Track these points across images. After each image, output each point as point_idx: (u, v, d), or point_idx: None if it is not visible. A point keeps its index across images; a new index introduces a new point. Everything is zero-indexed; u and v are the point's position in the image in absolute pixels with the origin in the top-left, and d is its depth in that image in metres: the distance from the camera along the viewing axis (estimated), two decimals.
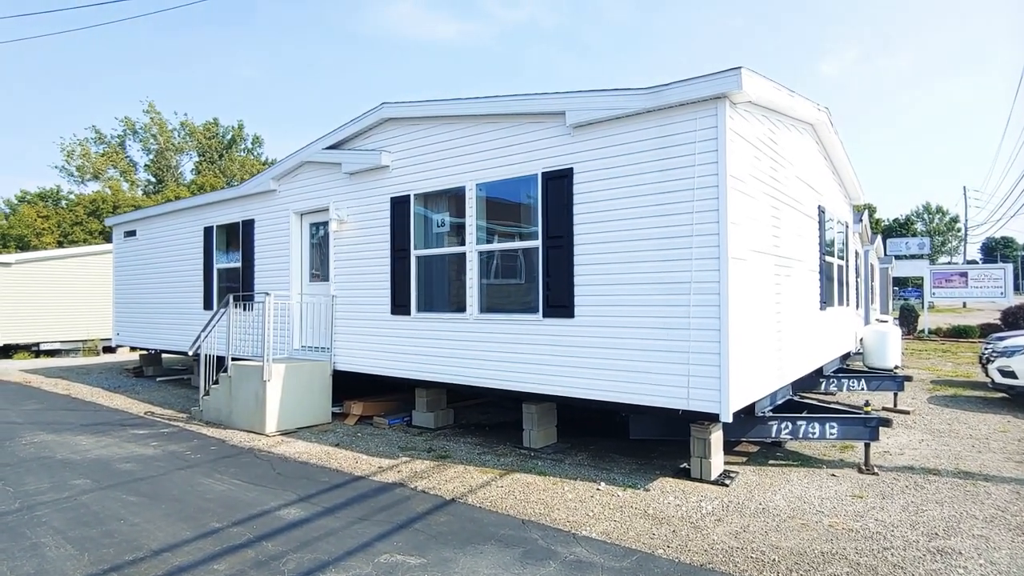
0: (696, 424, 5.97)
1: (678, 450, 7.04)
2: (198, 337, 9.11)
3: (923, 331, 24.48)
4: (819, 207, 9.05)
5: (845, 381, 9.69)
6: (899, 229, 79.03)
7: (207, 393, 9.00)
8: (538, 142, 6.75)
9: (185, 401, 10.72)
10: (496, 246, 7.35)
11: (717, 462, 6.05)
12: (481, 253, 7.38)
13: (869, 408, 6.59)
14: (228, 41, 72.17)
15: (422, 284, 8.05)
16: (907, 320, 25.31)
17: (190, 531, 4.71)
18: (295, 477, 6.14)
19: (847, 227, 11.55)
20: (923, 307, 25.86)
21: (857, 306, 13.71)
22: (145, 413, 9.62)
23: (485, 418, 9.15)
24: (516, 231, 7.30)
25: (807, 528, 4.74)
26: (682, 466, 6.45)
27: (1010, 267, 24.23)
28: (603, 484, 5.85)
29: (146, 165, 48.78)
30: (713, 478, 5.94)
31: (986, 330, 23.62)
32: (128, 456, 7.00)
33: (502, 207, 7.38)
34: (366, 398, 9.04)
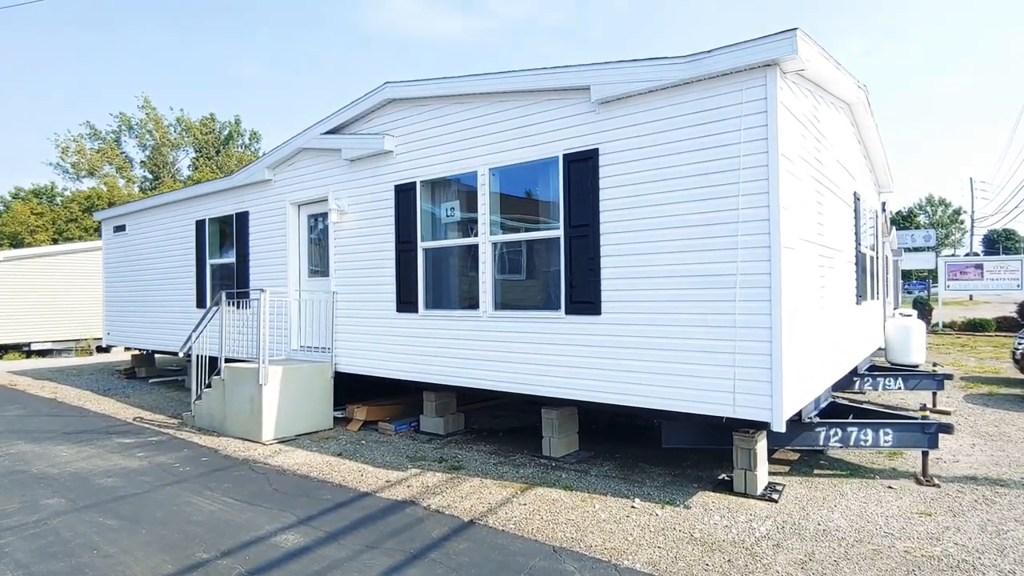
0: (740, 432, 5.36)
1: (712, 458, 6.45)
2: (189, 337, 8.49)
3: (937, 324, 23.87)
4: (855, 193, 8.42)
5: (880, 380, 9.09)
6: (902, 221, 78.32)
7: (199, 397, 8.39)
8: (558, 121, 6.12)
9: (178, 405, 10.11)
10: (511, 237, 6.72)
11: (762, 474, 5.44)
12: (495, 245, 6.75)
13: (926, 412, 5.99)
14: (224, 36, 71.23)
15: (430, 279, 7.43)
16: (921, 314, 24.71)
17: (172, 564, 4.10)
18: (294, 494, 5.52)
19: (876, 216, 10.93)
20: (937, 300, 25.28)
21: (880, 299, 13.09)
22: (134, 419, 9.00)
23: (498, 422, 8.54)
24: (534, 220, 6.67)
25: (881, 555, 4.14)
26: (720, 477, 5.86)
27: None
28: (638, 500, 5.24)
29: (142, 161, 48.04)
30: (759, 492, 5.33)
31: (1002, 323, 23.04)
32: (110, 469, 6.39)
33: (518, 194, 6.76)
34: (370, 402, 8.43)
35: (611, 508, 5.06)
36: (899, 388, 9.06)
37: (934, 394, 9.12)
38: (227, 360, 8.14)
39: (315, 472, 6.19)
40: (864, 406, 7.04)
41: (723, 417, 5.18)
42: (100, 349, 20.05)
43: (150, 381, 12.87)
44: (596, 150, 5.85)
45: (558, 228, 6.15)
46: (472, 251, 6.94)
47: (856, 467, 6.22)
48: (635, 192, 5.61)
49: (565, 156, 6.06)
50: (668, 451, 6.69)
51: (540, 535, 4.50)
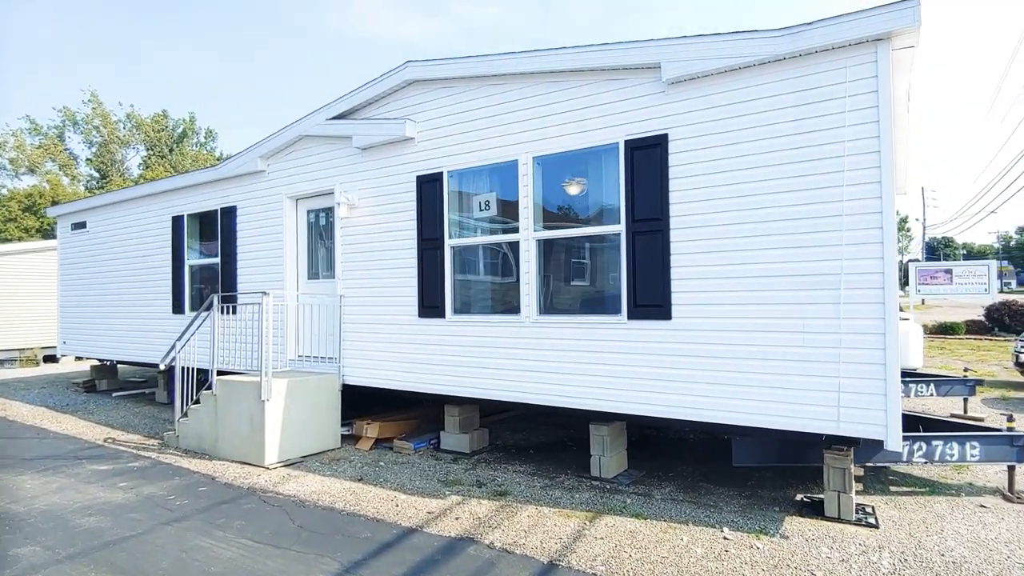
0: (832, 451, 4.82)
1: (776, 476, 5.90)
2: (173, 347, 7.47)
3: None
4: None
5: (912, 386, 8.77)
6: None
7: (185, 415, 7.38)
8: (619, 103, 5.49)
9: (152, 422, 9.00)
10: (561, 232, 6.04)
11: (854, 496, 4.91)
12: (540, 242, 6.06)
13: (1013, 424, 5.59)
14: (178, 35, 68.00)
15: (459, 281, 6.67)
16: None
17: None
18: (325, 532, 4.68)
19: None
20: (909, 304, 25.74)
21: None
22: (105, 440, 7.90)
23: (521, 437, 7.82)
24: (584, 214, 6.01)
25: None
26: (798, 498, 5.31)
27: (994, 263, 24.16)
28: (727, 530, 4.62)
29: (88, 159, 45.32)
30: (854, 517, 4.79)
31: (972, 327, 23.67)
32: (90, 505, 5.39)
33: (567, 185, 6.08)
34: (378, 416, 7.59)
35: (702, 541, 4.43)
36: (931, 394, 8.77)
37: (965, 400, 8.88)
38: (217, 373, 7.18)
39: (340, 503, 5.35)
40: (929, 416, 6.64)
41: (822, 434, 4.62)
42: (48, 359, 18.36)
43: (114, 395, 11.59)
44: (665, 135, 5.24)
45: (618, 223, 5.51)
46: (512, 249, 6.23)
47: (930, 482, 5.78)
48: (712, 182, 5.02)
49: (627, 143, 5.43)
50: (727, 469, 6.13)
51: None
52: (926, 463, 5.44)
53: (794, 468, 5.99)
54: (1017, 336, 14.27)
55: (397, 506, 5.24)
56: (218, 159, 48.74)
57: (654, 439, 7.59)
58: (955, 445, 5.39)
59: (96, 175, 45.54)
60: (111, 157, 45.67)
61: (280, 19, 75.24)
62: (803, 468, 6.01)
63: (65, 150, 43.71)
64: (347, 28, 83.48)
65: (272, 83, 78.40)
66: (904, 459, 5.40)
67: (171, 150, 47.71)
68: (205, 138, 50.69)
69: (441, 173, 6.64)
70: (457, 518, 4.93)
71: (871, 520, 4.77)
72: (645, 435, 7.75)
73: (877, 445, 5.20)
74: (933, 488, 5.62)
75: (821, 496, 5.30)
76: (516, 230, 6.14)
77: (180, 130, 48.94)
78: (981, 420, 8.50)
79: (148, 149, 47.00)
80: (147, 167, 45.27)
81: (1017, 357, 12.21)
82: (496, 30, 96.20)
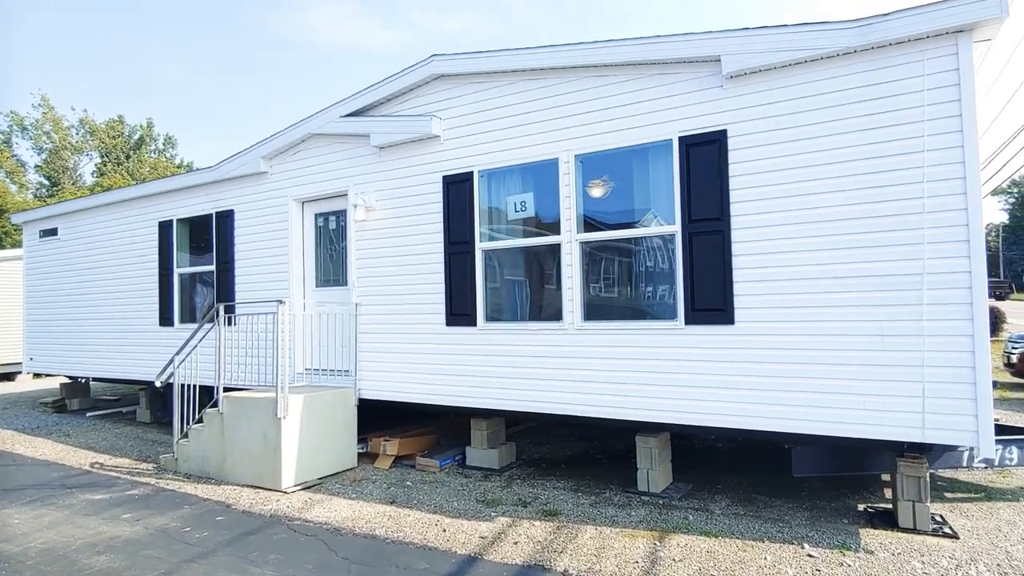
0: (906, 459, 4.63)
1: (827, 486, 5.69)
2: (171, 362, 6.86)
3: None
4: None
5: None
6: None
7: (185, 436, 6.78)
8: (672, 98, 5.24)
9: (139, 444, 8.30)
10: (607, 235, 5.73)
11: (929, 506, 4.73)
12: (584, 244, 5.75)
13: None
14: (135, 38, 65.51)
15: (491, 287, 6.30)
16: None
17: None
18: (377, 564, 4.24)
19: None
20: None
21: None
22: (92, 465, 7.20)
23: (547, 451, 7.46)
24: (630, 214, 5.72)
25: None
26: (863, 508, 5.11)
27: None
28: (807, 546, 4.36)
29: (37, 166, 43.14)
30: (930, 527, 4.60)
31: None
32: (95, 541, 4.79)
33: (610, 184, 5.79)
34: (396, 432, 7.14)
35: (787, 560, 4.15)
36: None
37: None
38: (215, 389, 6.62)
39: (380, 530, 4.89)
40: None
41: (904, 442, 4.42)
42: (3, 377, 17.11)
43: (88, 415, 10.73)
44: (724, 131, 5.01)
45: (672, 223, 5.24)
46: (552, 252, 5.90)
47: (981, 487, 5.66)
48: (777, 180, 4.81)
49: (681, 139, 5.18)
50: (773, 479, 5.90)
51: None
52: (985, 468, 5.33)
53: (844, 476, 5.82)
54: (996, 338, 14.63)
55: (444, 531, 4.82)
56: (178, 167, 46.92)
57: (684, 449, 7.33)
58: (1014, 449, 5.30)
59: (46, 182, 43.43)
60: (63, 164, 43.62)
61: (239, 25, 73.32)
62: (854, 476, 5.84)
63: (12, 156, 41.48)
64: (307, 39, 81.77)
65: (230, 93, 76.17)
66: (964, 464, 5.28)
67: (128, 157, 45.87)
68: (164, 145, 48.98)
69: (471, 173, 6.28)
70: (515, 543, 4.54)
71: (946, 530, 4.59)
72: (675, 445, 7.48)
73: (941, 450, 5.07)
74: (988, 493, 5.50)
75: (885, 505, 5.15)
76: (557, 232, 5.82)
77: (137, 136, 47.16)
78: (997, 420, 8.54)
79: (103, 156, 45.07)
80: (102, 174, 43.35)
81: (1008, 358, 12.49)
82: (465, 41, 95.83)
